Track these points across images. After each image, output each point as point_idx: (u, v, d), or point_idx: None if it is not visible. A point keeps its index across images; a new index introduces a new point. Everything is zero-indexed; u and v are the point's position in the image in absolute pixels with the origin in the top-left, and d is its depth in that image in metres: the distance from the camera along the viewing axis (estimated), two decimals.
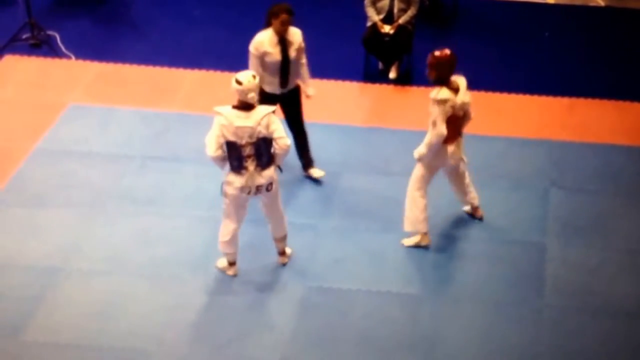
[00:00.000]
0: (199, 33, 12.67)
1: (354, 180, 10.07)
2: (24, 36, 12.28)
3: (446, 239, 9.37)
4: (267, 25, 9.46)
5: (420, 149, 8.85)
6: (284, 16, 9.34)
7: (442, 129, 8.64)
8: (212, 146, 8.21)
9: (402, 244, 9.25)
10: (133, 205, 9.67)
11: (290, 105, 9.75)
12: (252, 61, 9.46)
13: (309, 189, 9.96)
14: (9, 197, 9.73)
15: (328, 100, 11.36)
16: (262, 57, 9.41)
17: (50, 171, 10.10)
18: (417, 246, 9.20)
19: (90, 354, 8.10)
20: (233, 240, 8.67)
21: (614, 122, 11.02)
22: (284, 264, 9.01)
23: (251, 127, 8.13)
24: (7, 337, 8.20)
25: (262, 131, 8.18)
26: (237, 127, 8.12)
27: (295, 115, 9.82)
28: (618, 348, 8.28)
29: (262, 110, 8.22)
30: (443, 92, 8.64)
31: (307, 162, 10.04)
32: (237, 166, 8.26)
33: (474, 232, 9.44)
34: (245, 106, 8.17)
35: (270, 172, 8.37)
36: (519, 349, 8.24)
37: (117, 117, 10.95)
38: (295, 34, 9.54)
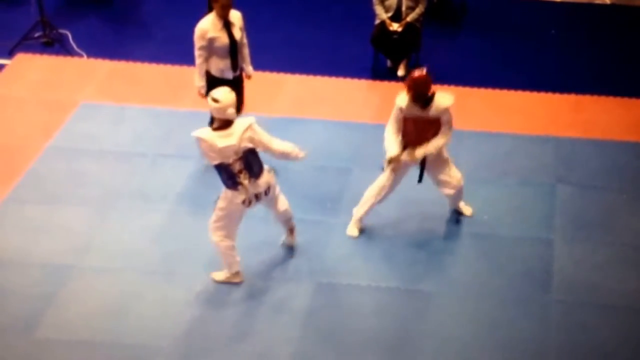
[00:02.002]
0: None
1: (363, 177, 10.05)
2: (36, 35, 12.36)
3: (453, 236, 9.42)
4: (209, 10, 9.46)
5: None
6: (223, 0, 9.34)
7: None
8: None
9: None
10: (144, 203, 9.73)
11: (238, 88, 9.62)
12: (198, 50, 9.51)
13: (318, 185, 10.01)
14: (21, 194, 9.80)
15: (337, 98, 11.43)
16: (210, 43, 9.45)
17: (63, 169, 10.17)
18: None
19: (102, 351, 8.15)
20: (237, 257, 8.68)
21: (620, 119, 11.04)
22: (291, 246, 9.07)
23: (234, 145, 8.03)
24: (20, 334, 8.26)
25: (247, 145, 8.09)
26: (221, 149, 8.01)
27: (239, 98, 9.63)
28: (625, 343, 8.31)
29: (241, 124, 8.08)
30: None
31: None
32: (232, 184, 8.20)
33: (481, 229, 9.48)
34: (224, 124, 8.05)
35: (265, 178, 8.33)
36: (526, 344, 8.28)
37: (128, 115, 11.02)
38: (235, 15, 9.54)
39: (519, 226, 9.53)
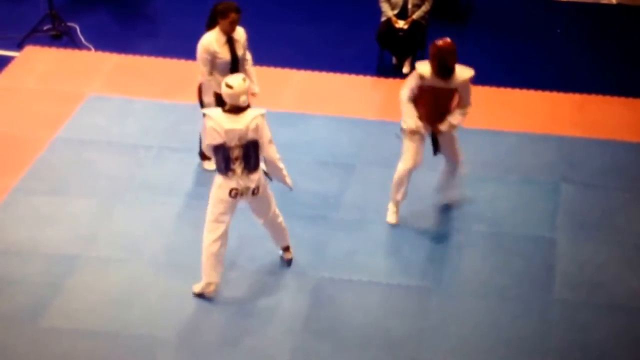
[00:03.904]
0: None
1: (366, 173, 10.14)
2: (45, 27, 12.43)
3: (456, 233, 9.45)
4: (213, 24, 9.26)
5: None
6: (233, 15, 9.09)
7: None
8: (205, 144, 8.27)
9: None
10: (150, 194, 9.79)
11: None
12: (202, 64, 9.35)
13: (320, 181, 10.05)
14: (28, 185, 9.85)
15: (341, 94, 11.47)
16: (212, 58, 9.31)
17: (70, 160, 10.22)
18: None
19: (106, 340, 8.20)
20: (221, 261, 8.54)
21: (623, 119, 11.07)
22: (289, 260, 9.02)
23: (240, 130, 8.04)
24: (26, 322, 8.31)
25: (251, 135, 8.10)
26: (227, 130, 8.03)
27: None
28: (627, 342, 8.33)
29: (252, 112, 8.12)
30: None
31: None
32: (224, 168, 8.19)
33: (485, 226, 9.50)
34: (235, 109, 8.09)
35: (257, 176, 8.29)
36: (527, 342, 8.29)
37: (134, 108, 11.08)
38: (240, 32, 9.33)
39: (521, 224, 9.55)
